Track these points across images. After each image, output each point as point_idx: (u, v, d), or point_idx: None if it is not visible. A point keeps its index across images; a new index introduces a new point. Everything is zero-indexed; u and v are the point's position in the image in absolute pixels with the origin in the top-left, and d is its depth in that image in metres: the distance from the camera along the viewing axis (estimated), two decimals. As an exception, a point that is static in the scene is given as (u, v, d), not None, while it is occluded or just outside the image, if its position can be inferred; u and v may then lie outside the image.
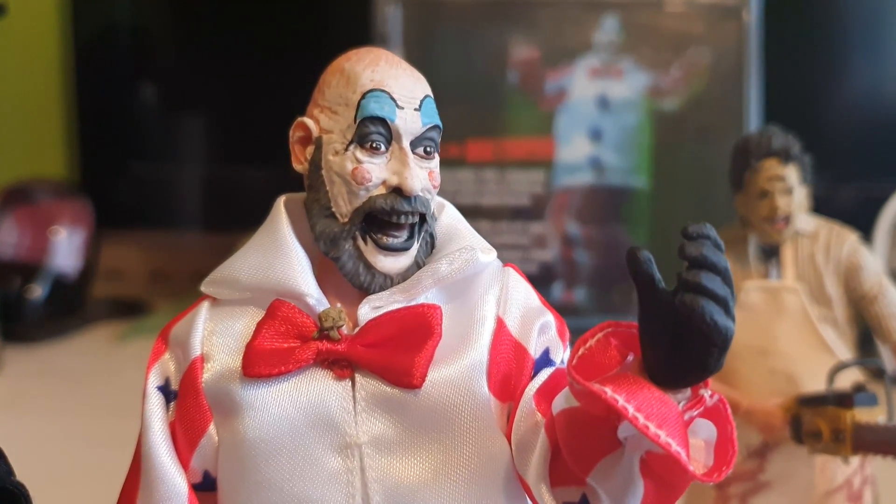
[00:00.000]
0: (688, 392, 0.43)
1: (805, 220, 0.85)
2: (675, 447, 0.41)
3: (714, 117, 1.51)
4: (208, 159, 2.03)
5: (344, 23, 1.85)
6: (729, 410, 0.45)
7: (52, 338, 1.73)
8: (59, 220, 1.81)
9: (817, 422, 0.78)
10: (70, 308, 1.81)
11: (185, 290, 1.86)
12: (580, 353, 0.44)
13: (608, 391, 0.41)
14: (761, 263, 0.85)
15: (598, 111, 1.56)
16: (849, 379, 0.80)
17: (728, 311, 0.41)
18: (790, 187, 0.83)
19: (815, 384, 0.81)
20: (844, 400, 0.77)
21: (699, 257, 0.40)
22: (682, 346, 0.41)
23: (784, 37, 1.60)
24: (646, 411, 0.41)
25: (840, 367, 0.79)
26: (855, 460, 0.83)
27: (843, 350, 0.84)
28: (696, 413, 0.43)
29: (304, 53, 1.83)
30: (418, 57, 1.55)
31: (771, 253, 0.85)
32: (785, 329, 0.84)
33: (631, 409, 0.41)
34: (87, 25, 2.02)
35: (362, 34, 1.55)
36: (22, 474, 0.51)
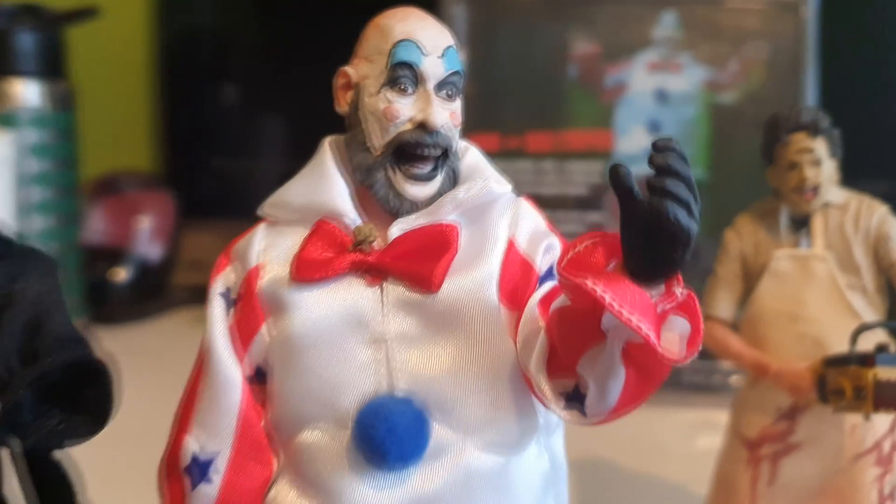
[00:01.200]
0: (661, 288, 0.49)
1: (835, 193, 0.88)
2: (646, 330, 0.47)
3: (771, 110, 1.51)
4: (283, 155, 2.13)
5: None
6: (698, 304, 0.50)
7: (135, 320, 1.82)
8: (144, 210, 1.90)
9: (840, 380, 0.81)
10: (153, 293, 1.90)
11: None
12: (569, 256, 0.51)
13: (589, 282, 0.48)
14: (792, 233, 0.89)
15: (656, 104, 1.59)
16: (873, 341, 0.83)
17: (690, 213, 0.48)
18: (818, 159, 0.86)
19: (842, 348, 0.84)
20: (866, 359, 0.80)
21: (665, 165, 0.47)
22: (653, 244, 0.48)
23: (841, 31, 1.61)
24: (621, 299, 0.47)
25: (863, 329, 0.82)
26: (884, 424, 0.86)
27: (871, 316, 0.87)
28: (668, 306, 0.49)
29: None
30: (482, 52, 1.61)
31: (801, 223, 0.89)
32: (813, 295, 0.87)
33: (608, 297, 0.47)
34: (174, 28, 2.13)
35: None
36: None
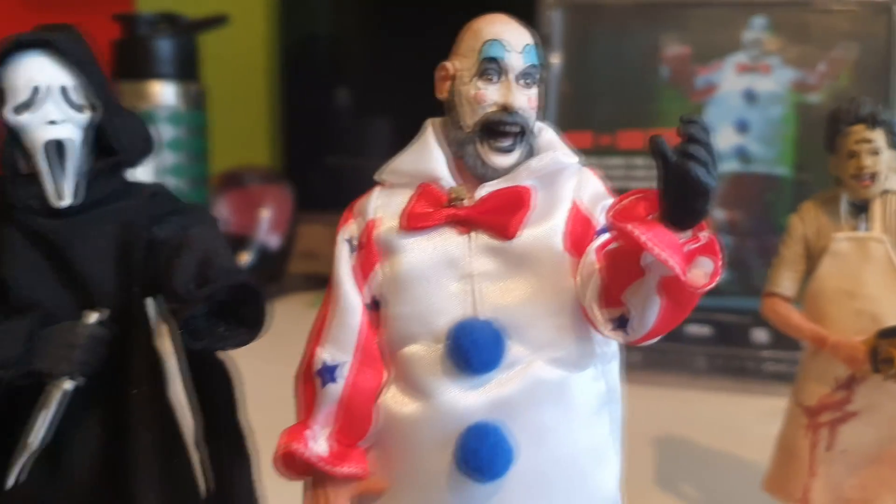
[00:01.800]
0: (689, 233, 0.61)
1: (893, 180, 0.95)
2: (673, 263, 0.59)
3: (858, 110, 1.57)
4: (389, 154, 2.25)
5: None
6: (717, 245, 0.62)
7: (255, 302, 1.97)
8: (265, 202, 2.03)
9: (890, 350, 0.88)
10: (272, 277, 2.03)
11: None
12: (617, 206, 0.64)
13: (630, 226, 0.61)
14: (852, 218, 0.96)
15: (744, 104, 1.65)
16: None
17: (709, 172, 0.59)
18: (877, 149, 0.94)
19: (896, 322, 0.91)
20: (915, 330, 0.87)
21: (689, 133, 0.59)
22: (681, 196, 0.60)
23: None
24: (655, 240, 0.60)
25: (913, 302, 0.89)
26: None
27: (926, 294, 0.93)
28: (693, 246, 0.61)
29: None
30: (577, 54, 1.70)
31: (861, 209, 0.96)
32: (871, 274, 0.94)
33: (645, 238, 0.60)
34: (294, 35, 2.28)
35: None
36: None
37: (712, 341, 1.61)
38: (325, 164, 2.26)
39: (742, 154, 1.64)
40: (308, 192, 2.18)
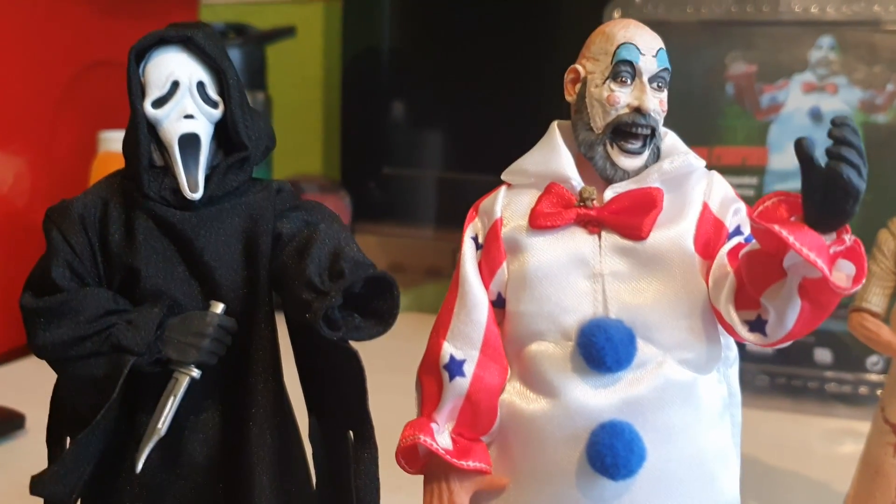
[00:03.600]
0: (833, 235, 0.62)
1: None
2: (821, 264, 0.60)
3: (926, 131, 1.57)
4: (445, 167, 2.28)
5: (573, 46, 2.04)
6: (862, 249, 0.63)
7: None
8: None
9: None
10: None
11: (417, 283, 2.10)
12: (759, 209, 0.64)
13: (777, 227, 0.61)
14: (939, 230, 0.97)
15: (811, 123, 1.65)
16: None
17: (860, 174, 0.60)
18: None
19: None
20: None
21: (841, 137, 0.60)
22: (829, 198, 0.61)
23: None
24: (802, 242, 0.60)
25: None
26: None
27: None
28: (839, 249, 0.61)
29: (529, 76, 2.05)
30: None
31: (947, 222, 0.96)
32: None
33: (792, 239, 0.60)
34: (354, 50, 2.31)
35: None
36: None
37: (774, 360, 1.60)
38: (382, 174, 2.29)
39: (807, 173, 1.64)
40: (364, 202, 2.21)
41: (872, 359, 1.52)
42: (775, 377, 1.59)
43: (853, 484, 1.03)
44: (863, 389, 1.54)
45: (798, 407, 1.56)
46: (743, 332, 0.67)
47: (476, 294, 0.73)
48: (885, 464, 0.98)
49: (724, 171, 1.71)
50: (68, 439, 0.73)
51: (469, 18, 2.19)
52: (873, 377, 1.53)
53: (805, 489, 1.24)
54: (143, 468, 0.70)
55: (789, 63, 1.64)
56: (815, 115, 1.64)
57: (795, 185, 1.82)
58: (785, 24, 1.66)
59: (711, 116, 1.66)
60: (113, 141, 1.55)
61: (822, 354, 1.58)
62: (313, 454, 0.76)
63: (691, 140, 1.62)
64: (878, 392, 1.47)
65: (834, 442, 1.43)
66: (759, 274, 0.65)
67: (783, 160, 1.64)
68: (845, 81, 1.63)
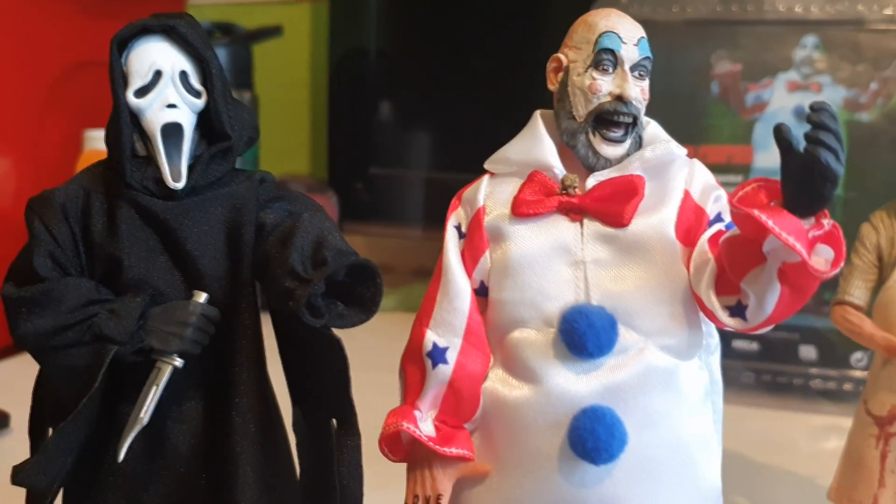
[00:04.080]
0: (812, 220, 0.63)
1: (969, 191, 0.96)
2: (800, 248, 0.60)
3: (910, 129, 1.58)
4: (432, 167, 2.29)
5: (560, 45, 2.05)
6: (840, 233, 0.63)
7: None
8: None
9: (966, 359, 0.89)
10: None
11: (404, 283, 2.10)
12: (739, 194, 0.65)
13: (756, 212, 0.61)
14: (928, 229, 0.97)
15: (795, 122, 1.65)
16: None
17: (838, 158, 0.61)
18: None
19: (971, 333, 0.91)
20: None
21: (819, 121, 0.60)
22: (808, 182, 0.61)
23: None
24: (781, 226, 0.61)
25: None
26: None
27: None
28: (818, 233, 0.62)
29: (516, 77, 2.05)
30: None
31: (935, 219, 0.97)
32: (944, 283, 0.95)
33: (771, 223, 0.61)
34: (341, 49, 2.31)
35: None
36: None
37: (760, 357, 1.61)
38: (369, 174, 2.29)
39: (792, 171, 1.64)
40: (351, 202, 2.22)
41: (857, 355, 1.53)
42: (761, 374, 1.60)
43: (836, 476, 1.04)
44: (847, 386, 1.55)
45: (783, 403, 1.56)
46: (723, 317, 0.67)
47: (459, 282, 0.73)
48: (867, 456, 0.99)
49: (710, 169, 1.73)
50: (50, 430, 0.73)
51: (456, 19, 2.19)
52: (857, 374, 1.54)
53: (790, 485, 1.24)
54: (125, 458, 0.70)
55: (774, 62, 1.65)
56: (800, 114, 1.64)
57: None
58: (769, 23, 1.66)
59: (697, 115, 1.67)
60: (98, 139, 1.55)
61: (807, 351, 1.59)
62: (297, 444, 0.76)
63: (677, 138, 1.63)
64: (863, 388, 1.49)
65: (819, 438, 1.44)
66: (739, 259, 0.65)
67: (768, 158, 1.65)
68: (829, 80, 1.64)
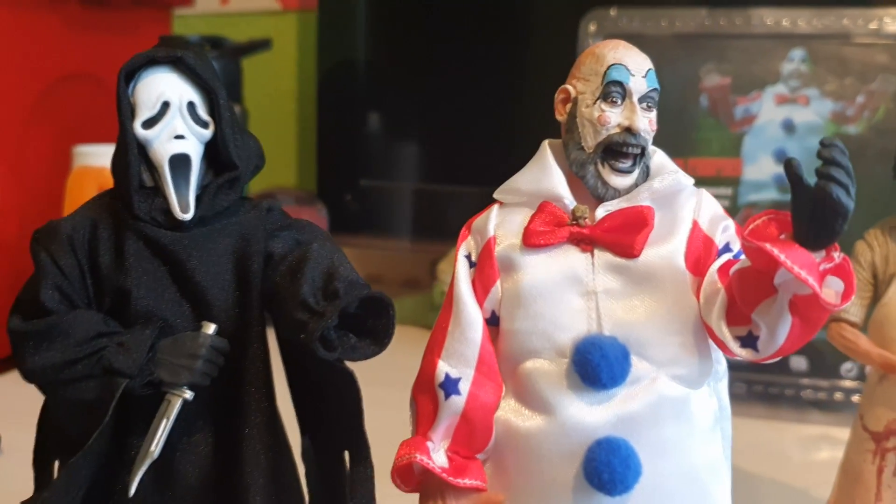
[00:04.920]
0: (822, 253, 0.63)
1: (962, 209, 0.97)
2: (812, 282, 0.61)
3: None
4: (421, 178, 2.29)
5: (548, 58, 2.06)
6: (850, 266, 0.64)
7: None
8: None
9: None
10: None
11: (394, 295, 2.09)
12: (750, 227, 0.65)
13: (768, 246, 0.62)
14: (920, 245, 0.99)
15: (783, 134, 1.67)
16: None
17: (848, 193, 0.61)
18: (947, 179, 0.96)
19: (964, 350, 0.93)
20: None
21: (830, 157, 0.61)
22: (818, 217, 0.62)
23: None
24: (793, 260, 0.61)
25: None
26: None
27: None
28: (829, 266, 0.62)
29: (505, 88, 2.06)
30: (617, 84, 1.72)
31: (929, 237, 0.98)
32: (938, 300, 0.96)
33: (783, 257, 0.61)
34: (330, 62, 2.31)
35: (566, 69, 1.74)
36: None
37: (751, 368, 1.62)
38: (358, 186, 2.29)
39: (781, 183, 1.66)
40: (341, 214, 2.21)
41: (847, 365, 1.54)
42: (752, 385, 1.61)
43: (833, 491, 1.05)
44: (838, 396, 1.56)
45: (774, 414, 1.57)
46: (735, 347, 0.68)
47: (470, 312, 0.73)
48: (865, 471, 1.00)
49: (700, 182, 1.72)
50: (56, 463, 0.73)
51: (445, 30, 2.20)
52: (848, 384, 1.55)
53: (782, 495, 1.25)
54: (135, 491, 0.69)
55: (762, 75, 1.67)
56: (788, 127, 1.66)
57: (769, 195, 1.84)
58: (757, 37, 1.68)
59: (686, 128, 1.68)
60: (88, 155, 1.54)
61: (798, 362, 1.60)
62: (307, 474, 0.76)
63: (667, 151, 1.64)
64: (853, 398, 1.50)
65: (810, 448, 1.45)
66: (750, 291, 0.66)
67: (757, 171, 1.66)
68: (817, 93, 1.65)
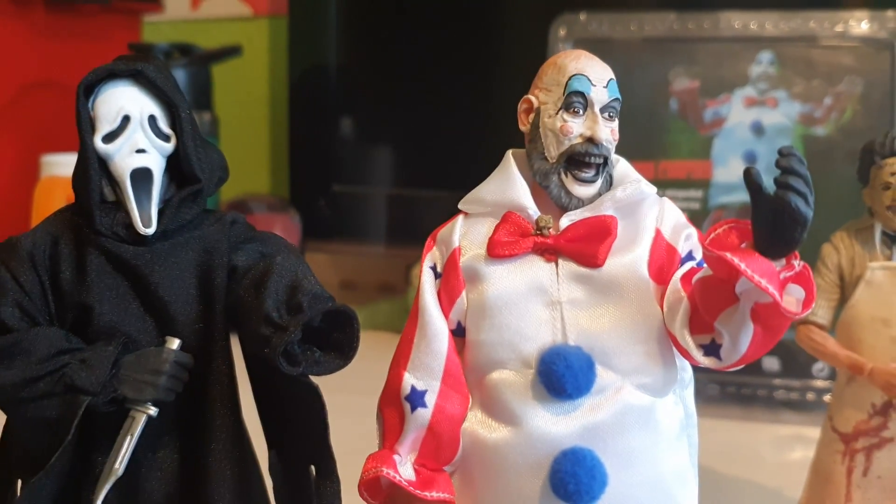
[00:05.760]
0: (783, 261, 0.64)
1: (927, 211, 0.98)
2: (772, 290, 0.61)
3: (862, 143, 1.60)
4: (394, 183, 2.29)
5: (519, 63, 2.06)
6: (811, 273, 0.64)
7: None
8: (271, 230, 2.07)
9: (928, 377, 0.91)
10: None
11: (369, 300, 2.09)
12: (711, 236, 0.65)
13: (729, 255, 0.62)
14: (886, 248, 0.99)
15: (752, 136, 1.68)
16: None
17: (807, 202, 0.62)
18: (911, 181, 0.97)
19: (932, 350, 0.93)
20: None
21: (787, 167, 0.61)
22: (778, 226, 0.62)
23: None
24: (753, 268, 0.62)
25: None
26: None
27: (961, 322, 0.96)
28: (789, 274, 0.63)
29: (477, 92, 2.06)
30: (588, 88, 1.73)
31: (894, 239, 0.99)
32: (905, 303, 0.97)
33: (743, 266, 0.61)
34: (301, 68, 2.31)
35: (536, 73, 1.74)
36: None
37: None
38: (331, 192, 2.28)
39: (751, 185, 1.67)
40: (314, 220, 2.20)
41: (818, 366, 1.56)
42: (725, 386, 1.62)
43: (804, 492, 1.05)
44: (810, 395, 1.57)
45: (748, 414, 1.58)
46: (698, 355, 0.68)
47: (436, 324, 0.73)
48: (835, 472, 1.00)
49: (670, 185, 1.74)
50: (19, 482, 0.72)
51: (416, 35, 2.19)
52: (819, 383, 1.56)
53: (756, 495, 1.26)
54: (102, 507, 0.69)
55: (731, 78, 1.68)
56: (757, 129, 1.67)
57: (739, 197, 1.85)
58: (725, 40, 1.69)
59: (656, 131, 1.69)
60: (56, 165, 1.52)
61: (770, 363, 1.61)
62: (274, 488, 0.75)
63: (638, 155, 1.64)
64: (825, 398, 1.52)
65: (784, 448, 1.45)
66: (712, 299, 0.66)
67: (727, 173, 1.67)
68: (785, 95, 1.66)
